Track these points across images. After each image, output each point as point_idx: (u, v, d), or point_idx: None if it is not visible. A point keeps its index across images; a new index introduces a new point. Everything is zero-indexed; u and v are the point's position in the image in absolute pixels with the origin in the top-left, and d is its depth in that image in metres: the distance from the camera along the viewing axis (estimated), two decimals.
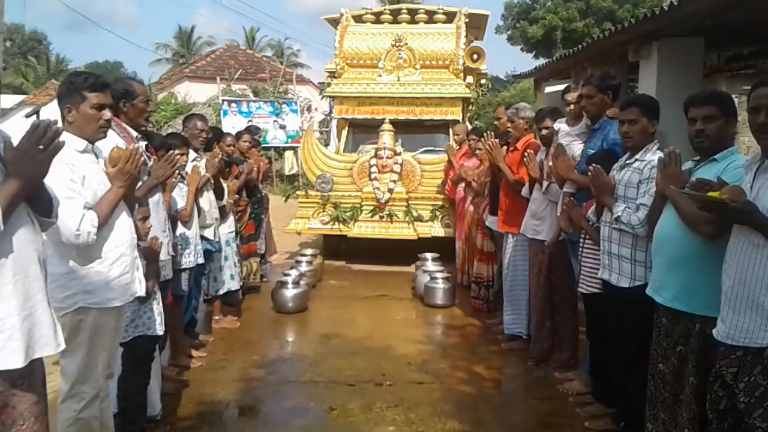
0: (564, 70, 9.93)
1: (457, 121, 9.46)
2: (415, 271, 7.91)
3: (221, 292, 6.05)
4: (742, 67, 8.54)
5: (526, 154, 5.09)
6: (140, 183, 3.82)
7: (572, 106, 4.72)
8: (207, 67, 28.21)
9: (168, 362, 4.99)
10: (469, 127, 9.62)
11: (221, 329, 6.04)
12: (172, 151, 4.00)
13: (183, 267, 4.80)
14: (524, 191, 5.32)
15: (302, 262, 7.87)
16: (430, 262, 7.91)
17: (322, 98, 14.22)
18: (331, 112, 12.00)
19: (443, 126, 9.84)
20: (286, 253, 9.87)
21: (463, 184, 7.82)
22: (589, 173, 3.78)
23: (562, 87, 11.34)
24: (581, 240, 4.28)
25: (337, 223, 9.00)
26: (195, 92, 24.39)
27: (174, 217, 4.70)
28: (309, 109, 22.05)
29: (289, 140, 18.20)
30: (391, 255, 9.15)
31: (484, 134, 5.92)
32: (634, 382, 3.70)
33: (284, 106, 19.28)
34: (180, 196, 4.82)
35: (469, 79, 10.10)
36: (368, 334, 5.98)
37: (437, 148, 9.62)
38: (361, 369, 5.08)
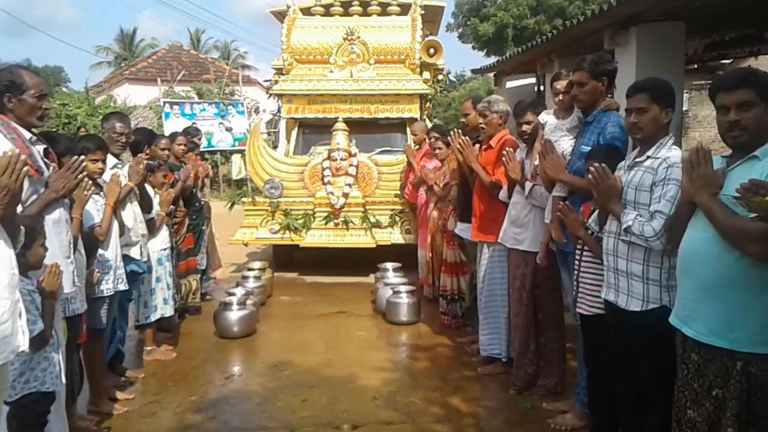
0: (528, 63, 9.36)
1: (415, 119, 8.84)
2: (375, 283, 7.21)
3: (153, 319, 5.23)
4: (714, 57, 8.08)
5: (504, 152, 4.42)
6: (34, 197, 3.05)
7: (561, 96, 4.07)
8: (148, 69, 27.02)
9: (87, 408, 4.18)
10: (429, 125, 8.97)
11: (154, 361, 5.21)
12: (76, 157, 3.20)
13: (100, 296, 3.99)
14: (502, 195, 4.65)
15: (249, 278, 7.09)
16: (391, 273, 7.22)
17: (269, 97, 13.41)
18: (279, 111, 11.23)
19: (400, 125, 9.27)
20: (233, 266, 9.07)
21: (424, 188, 7.17)
22: (591, 174, 3.12)
23: (525, 81, 10.90)
24: (577, 252, 3.63)
25: (287, 231, 8.27)
26: (135, 95, 23.29)
27: (91, 238, 3.89)
28: (257, 110, 21.27)
29: (236, 143, 17.34)
30: (348, 265, 8.48)
31: (452, 132, 5.23)
32: (649, 423, 3.08)
33: (230, 107, 18.38)
34: (96, 210, 4.01)
35: (426, 74, 9.46)
36: (325, 361, 5.24)
37: (394, 149, 9.08)
38: (319, 407, 4.33)
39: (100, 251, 3.99)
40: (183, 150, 6.46)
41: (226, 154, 19.01)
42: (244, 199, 8.68)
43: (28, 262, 2.75)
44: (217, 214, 8.54)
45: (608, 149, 3.47)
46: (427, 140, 7.44)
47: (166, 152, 6.00)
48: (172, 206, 5.64)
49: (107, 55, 38.55)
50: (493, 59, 17.60)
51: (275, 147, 9.83)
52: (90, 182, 3.69)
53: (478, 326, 5.17)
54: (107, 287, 4.06)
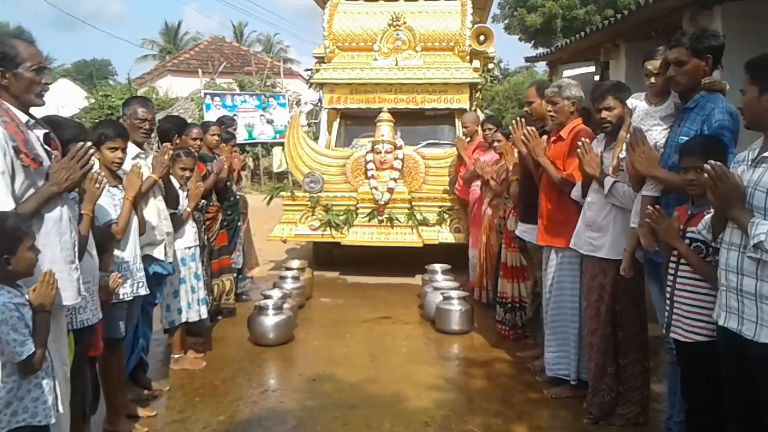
0: (586, 50, 8.66)
1: (464, 110, 8.23)
2: (422, 286, 6.65)
3: (177, 323, 4.76)
4: None
5: (580, 142, 3.81)
6: (31, 191, 2.57)
7: (654, 78, 3.44)
8: (190, 61, 26.89)
9: (102, 428, 3.72)
10: (480, 116, 8.36)
11: (181, 371, 4.74)
12: (81, 143, 2.70)
13: (117, 300, 3.52)
14: (575, 193, 4.04)
15: (287, 278, 6.59)
16: (440, 276, 6.65)
17: (309, 86, 12.94)
18: (320, 101, 10.74)
19: (448, 116, 8.68)
20: (271, 263, 8.61)
21: (478, 183, 6.59)
22: (708, 173, 2.47)
23: (585, 70, 10.18)
24: (672, 264, 3.01)
25: (328, 228, 7.75)
26: (177, 87, 23.20)
27: (105, 236, 3.41)
28: (298, 103, 20.89)
29: (278, 135, 17.06)
30: (393, 265, 7.98)
31: (515, 120, 4.63)
32: None
33: (271, 99, 18.13)
34: (113, 205, 3.54)
35: (476, 63, 8.85)
36: (369, 376, 4.70)
37: (442, 141, 8.51)
38: None
39: (117, 252, 3.51)
40: (216, 141, 5.99)
41: (267, 147, 18.72)
42: (282, 194, 8.22)
43: (15, 270, 2.27)
44: (255, 208, 8.08)
45: (709, 141, 2.86)
46: (480, 132, 6.88)
47: (198, 142, 5.53)
48: (203, 201, 5.17)
49: (152, 48, 38.83)
50: (540, 51, 16.83)
51: (316, 139, 9.33)
52: (102, 173, 3.21)
53: (541, 340, 4.59)
54: (125, 291, 3.58)
